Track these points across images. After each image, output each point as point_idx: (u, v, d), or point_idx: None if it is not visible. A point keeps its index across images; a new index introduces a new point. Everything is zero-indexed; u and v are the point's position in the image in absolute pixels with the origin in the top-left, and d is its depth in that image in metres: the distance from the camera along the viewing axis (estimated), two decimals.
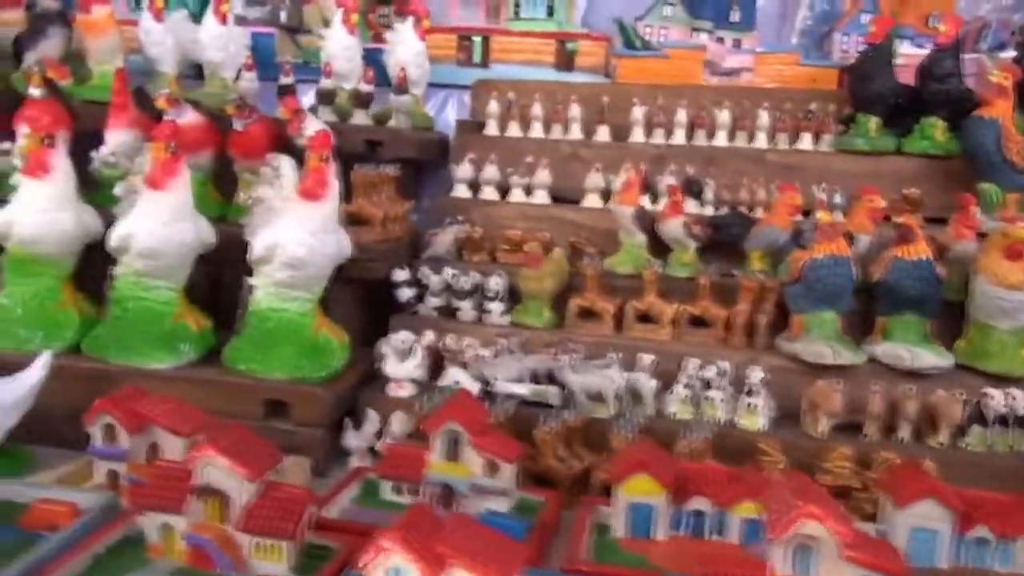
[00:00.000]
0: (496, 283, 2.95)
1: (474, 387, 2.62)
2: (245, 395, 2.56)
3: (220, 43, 3.63)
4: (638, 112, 3.60)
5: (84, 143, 3.07)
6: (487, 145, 3.62)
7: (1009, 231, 2.65)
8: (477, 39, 4.19)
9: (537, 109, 3.67)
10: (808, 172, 3.37)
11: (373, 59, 3.86)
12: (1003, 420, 2.43)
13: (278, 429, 2.50)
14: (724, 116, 3.56)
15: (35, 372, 2.37)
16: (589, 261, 3.02)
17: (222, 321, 2.84)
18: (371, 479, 2.33)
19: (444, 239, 3.21)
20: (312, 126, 3.06)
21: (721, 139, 3.58)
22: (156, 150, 2.57)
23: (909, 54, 3.86)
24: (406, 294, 3.01)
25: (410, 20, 3.74)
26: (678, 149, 3.55)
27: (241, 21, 4.04)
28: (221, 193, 3.30)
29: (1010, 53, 4.01)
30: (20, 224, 2.65)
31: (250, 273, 2.69)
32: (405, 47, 3.72)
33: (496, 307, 2.95)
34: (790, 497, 1.64)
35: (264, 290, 2.63)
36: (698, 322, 2.90)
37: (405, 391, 2.69)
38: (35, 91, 2.99)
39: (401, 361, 2.72)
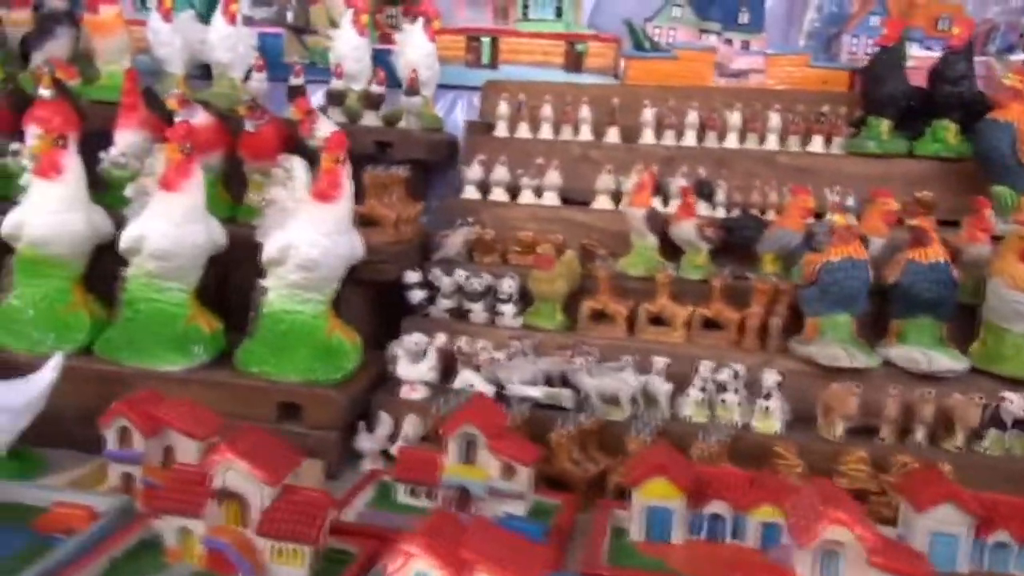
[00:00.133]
0: (509, 285, 2.93)
1: (488, 390, 2.61)
2: (258, 398, 2.55)
3: (229, 43, 3.61)
4: (648, 113, 3.59)
5: (92, 143, 3.06)
6: (497, 146, 3.61)
7: None
8: (486, 40, 4.17)
9: (547, 110, 3.66)
10: (819, 174, 3.36)
11: (380, 60, 3.85)
12: (1020, 424, 2.42)
13: (291, 432, 2.48)
14: (735, 118, 3.55)
15: (47, 374, 2.36)
16: (601, 263, 3.01)
17: (231, 323, 2.83)
18: (386, 482, 2.32)
19: (454, 241, 3.20)
20: (324, 127, 3.05)
21: (732, 141, 3.57)
22: (170, 151, 2.56)
23: (918, 56, 3.86)
24: (417, 296, 2.99)
25: (420, 21, 3.72)
26: (688, 151, 3.54)
27: (248, 21, 4.02)
28: (230, 194, 3.28)
29: (1019, 56, 4.02)
30: (31, 225, 2.64)
31: (260, 274, 2.68)
32: (415, 48, 3.70)
33: (508, 309, 2.94)
34: (816, 502, 1.63)
35: (277, 292, 2.62)
36: (710, 324, 2.89)
37: (418, 394, 2.68)
38: (45, 91, 2.98)
39: (414, 363, 2.71)
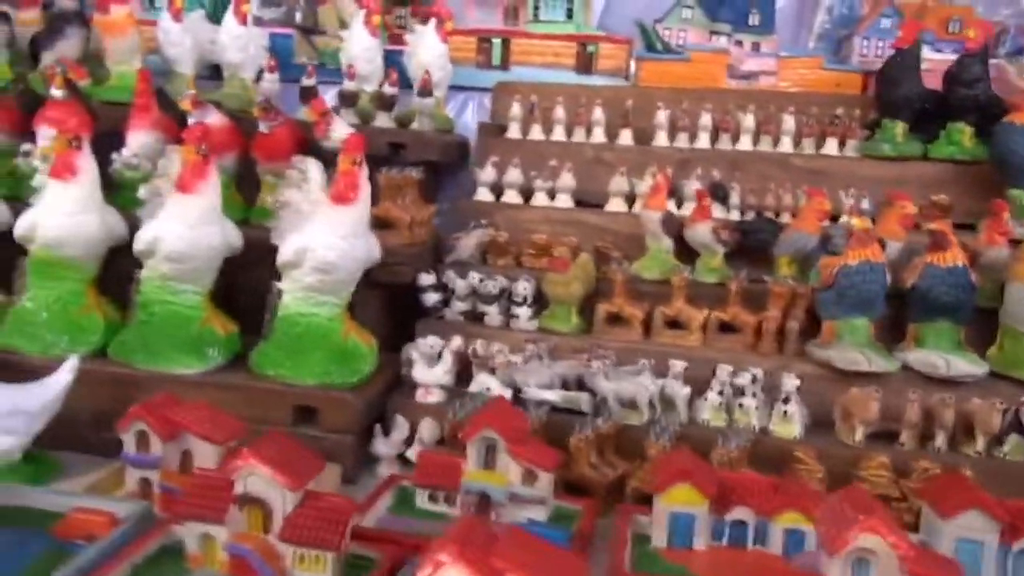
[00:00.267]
0: (524, 288, 2.92)
1: (505, 393, 2.59)
2: (274, 401, 2.54)
3: (240, 44, 3.60)
4: (662, 115, 3.58)
5: (102, 144, 3.03)
6: (509, 148, 3.59)
7: None
8: (496, 41, 4.16)
9: (559, 112, 3.64)
10: (833, 177, 3.35)
11: (392, 61, 3.83)
12: None
13: (307, 435, 2.46)
14: (748, 120, 3.53)
15: (62, 377, 2.35)
16: (616, 266, 3.00)
17: (241, 325, 2.81)
18: (405, 487, 2.30)
19: (468, 243, 3.18)
20: (339, 129, 3.04)
21: (745, 143, 3.55)
22: (187, 152, 2.54)
23: (929, 59, 3.84)
24: (432, 298, 2.97)
25: (432, 22, 3.71)
26: (702, 153, 3.52)
27: (256, 22, 4.00)
28: (243, 195, 3.26)
29: None
30: (44, 227, 2.62)
31: (271, 276, 2.66)
32: (427, 49, 3.68)
33: (524, 312, 2.92)
34: (846, 509, 1.61)
35: (293, 295, 2.60)
36: (726, 328, 2.87)
37: (434, 397, 2.66)
38: (57, 92, 2.97)
39: (429, 366, 2.69)
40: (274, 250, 2.63)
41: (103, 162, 3.01)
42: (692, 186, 3.27)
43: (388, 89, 3.59)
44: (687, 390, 2.59)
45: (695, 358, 2.71)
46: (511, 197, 3.45)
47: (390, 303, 3.02)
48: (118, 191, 3.03)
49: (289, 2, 4.36)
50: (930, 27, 4.12)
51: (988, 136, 3.18)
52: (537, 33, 4.16)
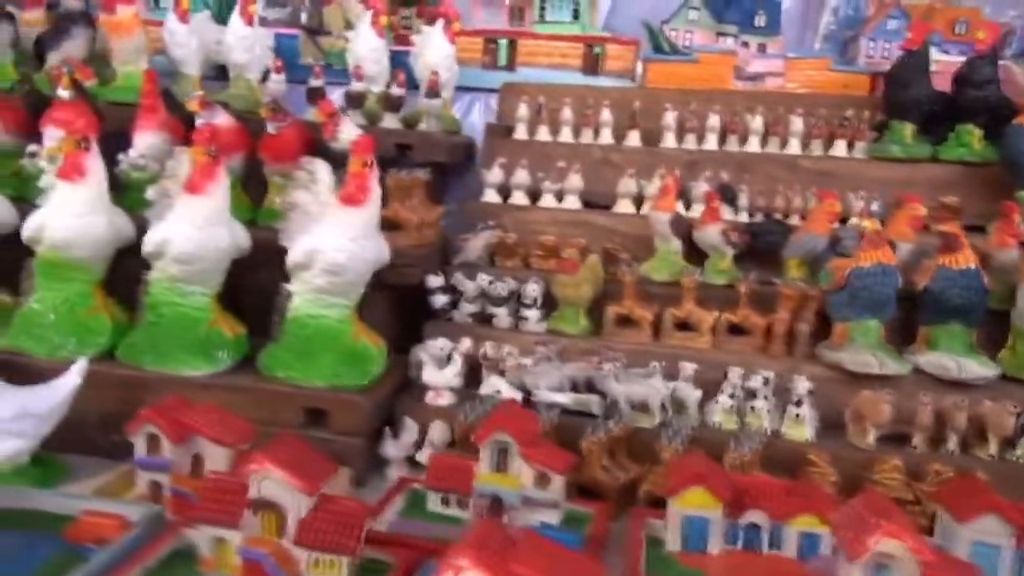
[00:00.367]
0: (533, 289, 2.90)
1: (515, 396, 2.58)
2: (284, 403, 2.52)
3: (246, 44, 3.58)
4: (670, 117, 3.56)
5: (108, 145, 3.01)
6: (517, 149, 3.58)
7: None
8: (503, 42, 4.15)
9: (567, 113, 3.63)
10: (842, 179, 3.33)
11: (398, 62, 3.82)
12: None
13: (316, 438, 2.44)
14: (756, 122, 3.52)
15: (71, 379, 2.33)
16: (626, 268, 2.98)
17: (249, 327, 2.79)
18: (416, 490, 2.29)
19: (475, 244, 3.17)
20: (348, 130, 3.02)
21: (754, 145, 3.54)
22: (196, 154, 2.52)
23: (936, 60, 3.83)
24: (440, 300, 2.96)
25: (440, 23, 3.69)
26: (710, 155, 3.51)
27: (262, 22, 3.99)
28: (250, 197, 3.24)
29: None
30: (52, 228, 2.60)
31: (278, 278, 2.65)
32: (434, 50, 3.67)
33: (533, 314, 2.91)
34: (865, 514, 1.60)
35: (302, 296, 2.58)
36: (736, 330, 2.86)
37: (444, 400, 2.65)
38: (64, 93, 2.96)
39: (439, 369, 2.68)
40: (281, 251, 2.62)
41: (109, 163, 3.00)
42: (700, 188, 3.26)
43: (395, 90, 3.57)
44: (699, 393, 2.58)
45: (705, 360, 2.70)
46: (518, 198, 3.44)
47: (397, 305, 3.00)
48: (124, 192, 3.01)
49: (294, 3, 4.35)
50: (937, 28, 4.11)
51: (997, 138, 3.17)
52: (543, 34, 4.15)
